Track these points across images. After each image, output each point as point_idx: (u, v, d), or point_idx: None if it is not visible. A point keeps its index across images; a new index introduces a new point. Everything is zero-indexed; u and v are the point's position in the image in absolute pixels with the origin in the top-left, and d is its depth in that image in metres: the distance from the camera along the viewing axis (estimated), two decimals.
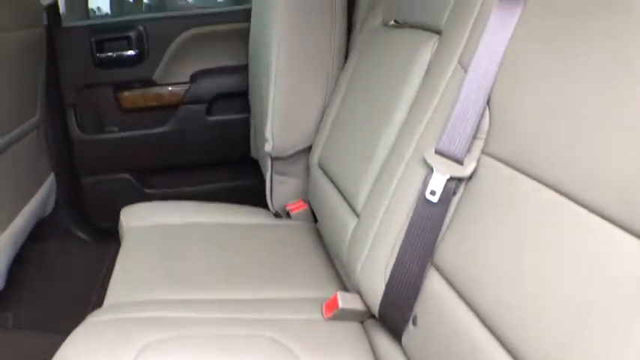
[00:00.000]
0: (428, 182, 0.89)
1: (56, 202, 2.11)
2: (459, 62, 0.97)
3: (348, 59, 1.50)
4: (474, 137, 0.85)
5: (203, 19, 2.17)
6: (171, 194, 2.25)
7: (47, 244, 2.12)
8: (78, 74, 2.10)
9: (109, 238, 2.17)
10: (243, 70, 2.08)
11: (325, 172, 1.41)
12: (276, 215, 1.65)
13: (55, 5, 2.06)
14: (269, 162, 1.59)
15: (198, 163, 2.25)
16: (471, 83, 0.87)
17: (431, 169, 0.89)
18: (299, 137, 1.53)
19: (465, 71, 0.90)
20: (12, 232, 1.65)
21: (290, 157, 1.56)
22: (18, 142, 1.72)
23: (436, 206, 0.88)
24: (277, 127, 1.50)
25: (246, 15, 2.06)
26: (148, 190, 2.25)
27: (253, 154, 2.06)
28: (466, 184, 0.86)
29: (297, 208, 1.59)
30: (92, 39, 2.07)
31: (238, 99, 2.13)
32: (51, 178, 2.07)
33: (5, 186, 1.63)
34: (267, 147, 1.52)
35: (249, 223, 1.56)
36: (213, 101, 2.15)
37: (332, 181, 1.35)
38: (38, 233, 1.93)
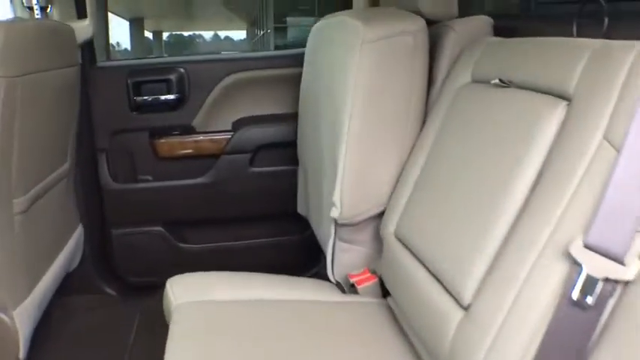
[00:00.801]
0: (574, 281, 0.74)
1: (83, 255, 1.94)
2: (606, 138, 0.79)
3: (428, 118, 1.33)
4: (637, 231, 0.71)
5: (248, 63, 2.02)
6: (207, 250, 2.09)
7: (72, 300, 1.96)
8: (111, 118, 1.95)
9: (139, 294, 2.04)
10: (290, 118, 1.93)
11: (406, 245, 1.23)
12: (338, 285, 1.46)
13: (91, 43, 1.91)
14: (332, 228, 1.41)
15: (238, 217, 2.08)
16: (628, 167, 0.73)
17: (578, 266, 0.74)
18: (371, 203, 1.36)
19: (617, 151, 0.76)
20: (37, 297, 1.48)
21: (358, 223, 1.38)
22: (47, 194, 1.55)
23: (588, 311, 0.74)
24: (348, 192, 1.32)
25: (295, 60, 1.92)
26: (183, 245, 2.07)
27: (301, 210, 1.89)
28: (625, 285, 0.71)
29: (365, 280, 1.40)
30: (129, 80, 1.91)
31: (284, 149, 1.97)
32: (79, 230, 1.89)
33: (32, 244, 1.47)
34: (335, 212, 1.34)
35: (312, 299, 1.38)
36: (257, 151, 1.98)
37: (417, 258, 1.17)
38: (63, 287, 1.76)
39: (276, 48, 23.44)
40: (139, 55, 24.41)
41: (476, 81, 1.21)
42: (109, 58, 2.13)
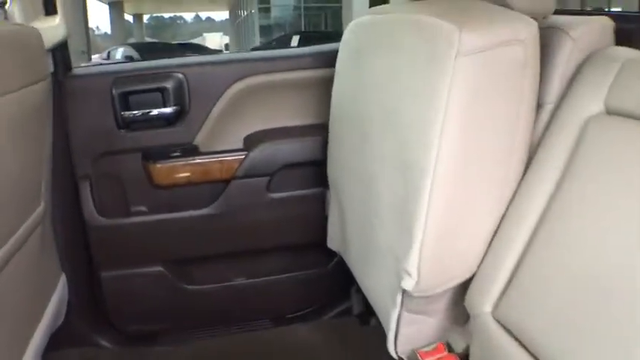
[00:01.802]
0: None
1: (69, 305, 1.57)
2: None
3: (539, 157, 0.97)
4: None
5: (261, 65, 1.64)
6: (217, 290, 1.73)
7: (63, 355, 1.61)
8: (94, 138, 1.57)
9: (138, 344, 1.71)
10: (316, 131, 1.58)
11: (513, 334, 0.89)
12: None
13: (64, 45, 1.52)
14: (399, 298, 1.06)
15: (253, 251, 1.72)
16: None
17: None
18: (459, 270, 1.00)
19: None
20: None
21: (436, 294, 1.03)
22: (18, 252, 1.18)
23: None
24: (429, 260, 0.97)
25: (320, 60, 1.58)
26: (187, 286, 1.71)
27: (333, 245, 1.54)
28: None
29: None
30: (114, 91, 1.54)
31: (309, 169, 1.62)
32: (62, 281, 1.52)
33: (6, 315, 1.13)
34: (408, 284, 0.99)
35: None
36: (276, 173, 1.61)
37: (533, 355, 0.84)
38: (51, 342, 1.42)
39: (261, 28, 22.99)
40: (121, 38, 23.83)
41: (613, 113, 0.86)
42: (89, 59, 1.73)
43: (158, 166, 1.58)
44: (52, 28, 1.40)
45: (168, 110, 1.56)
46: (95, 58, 16.86)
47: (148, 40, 27.64)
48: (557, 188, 0.90)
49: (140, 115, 1.55)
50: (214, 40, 33.69)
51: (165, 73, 1.57)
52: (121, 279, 1.68)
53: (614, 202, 0.79)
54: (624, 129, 0.83)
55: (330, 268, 1.74)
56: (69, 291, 1.57)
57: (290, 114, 1.65)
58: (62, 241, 1.55)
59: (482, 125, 0.92)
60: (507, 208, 0.97)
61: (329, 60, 1.44)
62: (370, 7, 1.66)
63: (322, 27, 22.70)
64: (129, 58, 13.84)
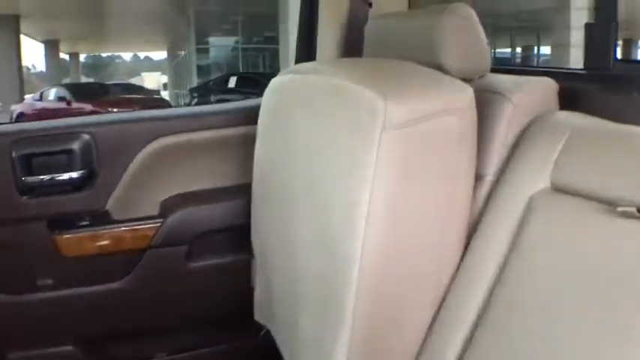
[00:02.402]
0: None
1: None
2: None
3: (478, 240, 0.88)
4: None
5: (178, 122, 1.52)
6: None
7: None
8: None
9: None
10: (240, 193, 1.45)
11: None
12: None
13: None
14: None
15: (176, 325, 1.57)
16: None
17: None
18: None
19: None
20: None
21: None
22: None
23: None
24: (359, 355, 0.86)
25: (246, 117, 1.45)
26: None
27: (260, 318, 1.41)
28: None
29: None
30: (14, 153, 1.38)
31: (233, 235, 1.49)
32: None
33: None
34: None
35: None
36: (197, 240, 1.48)
37: None
38: None
39: (198, 68, 22.85)
40: (56, 78, 23.28)
41: (560, 190, 0.78)
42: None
43: (66, 236, 1.43)
44: None
45: (75, 174, 1.42)
46: (28, 98, 16.37)
47: (84, 79, 27.12)
48: (500, 272, 0.81)
49: (45, 180, 1.41)
50: (152, 79, 33.34)
51: (70, 134, 1.43)
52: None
53: (562, 288, 0.70)
54: (572, 208, 0.75)
55: (258, 342, 1.61)
56: None
57: (210, 175, 1.53)
58: None
59: (414, 206, 0.82)
60: (445, 297, 0.88)
61: (251, 117, 1.33)
62: (297, 60, 1.57)
63: (260, 68, 22.72)
64: (62, 99, 13.47)
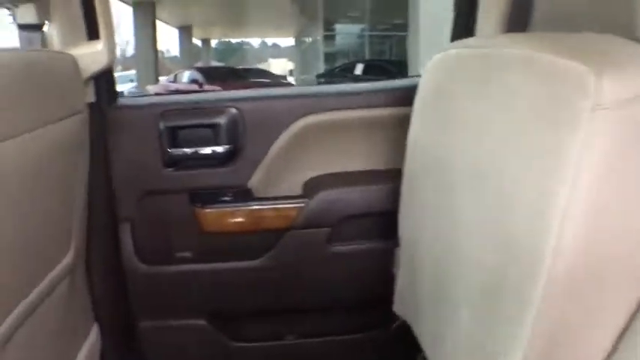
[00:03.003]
0: None
1: (103, 356, 1.40)
2: None
3: None
4: None
5: (328, 100, 1.44)
6: (267, 348, 1.54)
7: None
8: (138, 176, 1.41)
9: None
10: (387, 177, 1.36)
11: None
12: None
13: (109, 72, 1.37)
14: None
15: (309, 307, 1.52)
16: None
17: None
18: None
19: None
20: None
21: None
22: (40, 307, 1.02)
23: None
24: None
25: (399, 98, 1.36)
26: (235, 343, 1.52)
27: (400, 310, 1.32)
28: None
29: None
30: (162, 125, 1.37)
31: (377, 221, 1.41)
32: (94, 332, 1.36)
33: None
34: None
35: None
36: (339, 224, 1.41)
37: None
38: None
39: (326, 55, 23.05)
40: (188, 62, 24.30)
41: None
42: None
43: (207, 210, 1.41)
44: (94, 55, 1.25)
45: (220, 149, 1.39)
46: (162, 80, 17.17)
47: (215, 63, 28.12)
48: None
49: (189, 153, 1.39)
50: (279, 65, 34.05)
51: (218, 108, 1.40)
52: (161, 331, 1.51)
53: None
54: None
55: (392, 332, 1.52)
56: (103, 342, 1.40)
57: (357, 157, 1.45)
58: (97, 288, 1.38)
59: (623, 200, 0.68)
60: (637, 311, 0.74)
61: (404, 98, 1.24)
62: (454, 36, 1.45)
63: (387, 55, 22.54)
64: (194, 82, 13.99)
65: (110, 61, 1.27)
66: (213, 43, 35.34)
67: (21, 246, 0.93)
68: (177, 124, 1.38)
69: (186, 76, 15.17)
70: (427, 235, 1.10)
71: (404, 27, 16.27)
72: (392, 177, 1.30)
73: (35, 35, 1.23)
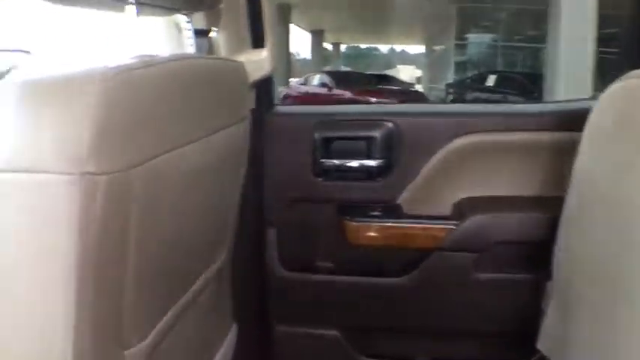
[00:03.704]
0: None
1: (236, 356, 1.42)
2: None
3: None
4: None
5: (491, 120, 1.40)
6: None
7: None
8: (288, 183, 1.43)
9: None
10: (544, 205, 1.29)
11: None
12: None
13: (269, 80, 1.39)
14: None
15: (446, 331, 1.47)
16: None
17: None
18: None
19: None
20: None
21: None
22: (186, 310, 1.04)
23: None
24: None
25: (567, 122, 1.28)
26: (364, 358, 1.50)
27: (545, 347, 1.24)
28: None
29: None
30: (316, 134, 1.38)
31: (528, 250, 1.34)
32: (232, 332, 1.38)
33: None
34: None
35: None
36: (488, 250, 1.35)
37: None
38: None
39: (456, 64, 22.65)
40: (318, 65, 24.73)
41: None
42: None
43: (354, 223, 1.39)
44: (259, 62, 1.27)
45: (372, 163, 1.37)
46: (292, 82, 17.55)
47: (344, 68, 28.41)
48: None
49: (341, 165, 1.38)
50: (407, 72, 33.85)
51: (374, 121, 1.38)
52: (294, 337, 1.53)
53: None
54: None
55: None
56: (239, 343, 1.43)
57: (513, 181, 1.38)
58: (239, 289, 1.41)
59: None
60: None
61: (571, 122, 1.17)
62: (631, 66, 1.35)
63: (519, 67, 21.77)
64: (324, 85, 14.17)
65: (273, 69, 1.29)
66: (343, 47, 35.73)
67: (181, 248, 0.95)
68: (331, 135, 1.39)
69: (316, 79, 15.40)
70: (589, 274, 1.03)
71: (538, 38, 15.65)
72: (549, 205, 1.23)
73: (204, 41, 1.27)
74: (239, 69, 1.12)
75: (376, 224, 1.38)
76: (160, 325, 0.92)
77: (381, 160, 1.37)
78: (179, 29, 1.21)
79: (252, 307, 1.49)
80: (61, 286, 0.65)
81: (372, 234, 1.39)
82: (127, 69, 0.71)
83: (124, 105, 0.68)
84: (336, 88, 13.30)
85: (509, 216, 1.35)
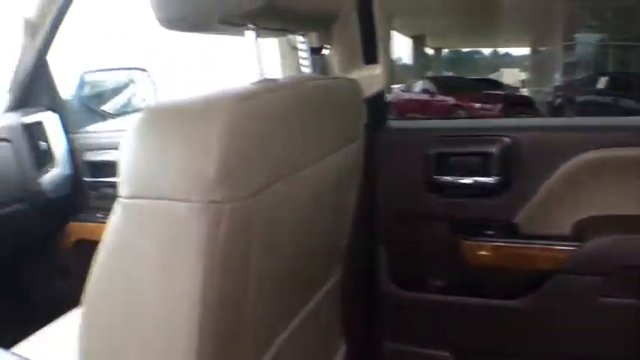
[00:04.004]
0: None
1: None
2: None
3: None
4: None
5: (618, 135, 1.31)
6: None
7: None
8: (400, 199, 1.40)
9: None
10: None
11: None
12: None
13: (381, 96, 1.37)
14: None
15: (565, 357, 1.39)
16: None
17: None
18: None
19: None
20: None
21: None
22: (308, 322, 1.04)
23: None
24: None
25: None
26: None
27: None
28: None
29: None
30: (430, 150, 1.34)
31: None
32: (341, 352, 1.37)
33: None
34: None
35: None
36: (615, 273, 1.27)
37: None
38: None
39: (564, 66, 21.75)
40: (419, 71, 24.45)
41: None
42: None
43: (469, 242, 1.35)
44: (372, 78, 1.26)
45: (488, 180, 1.32)
46: (394, 88, 17.42)
47: (445, 73, 27.94)
48: None
49: (456, 181, 1.34)
50: (511, 75, 32.91)
51: (490, 136, 1.33)
52: (404, 356, 1.50)
53: None
54: None
55: None
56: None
57: None
58: (349, 306, 1.39)
59: None
60: None
61: None
62: None
63: (630, 68, 20.55)
64: (426, 91, 13.97)
65: (387, 85, 1.27)
66: (444, 52, 35.23)
67: (297, 269, 0.95)
68: (445, 151, 1.35)
69: (418, 85, 15.20)
70: None
71: None
72: None
73: (317, 59, 1.26)
74: (354, 87, 1.11)
75: (492, 243, 1.34)
76: (276, 345, 0.92)
77: (498, 177, 1.32)
78: (295, 48, 1.21)
79: (362, 325, 1.47)
80: (186, 308, 0.67)
81: (487, 253, 1.34)
82: (252, 96, 0.71)
83: (249, 133, 0.68)
84: (439, 94, 13.08)
85: (637, 238, 1.26)
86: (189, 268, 0.66)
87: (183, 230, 0.65)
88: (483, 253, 1.34)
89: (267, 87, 0.78)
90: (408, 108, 12.90)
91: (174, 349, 0.69)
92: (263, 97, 0.74)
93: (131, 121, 0.67)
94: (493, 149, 1.31)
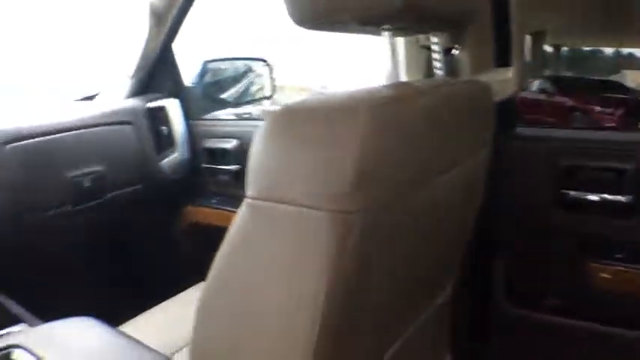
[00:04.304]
0: None
1: None
2: None
3: None
4: None
5: None
6: None
7: None
8: (522, 213, 1.33)
9: None
10: None
11: None
12: None
13: (512, 101, 1.29)
14: None
15: None
16: None
17: None
18: None
19: None
20: None
21: None
22: (417, 334, 1.01)
23: None
24: None
25: None
26: None
27: None
28: None
29: None
30: (560, 161, 1.26)
31: None
32: None
33: None
34: None
35: None
36: None
37: None
38: None
39: None
40: (537, 69, 23.61)
41: None
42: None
43: (597, 264, 1.25)
44: (503, 82, 1.19)
45: (622, 198, 1.21)
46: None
47: (564, 73, 26.85)
48: None
49: (586, 197, 1.24)
50: (634, 77, 31.12)
51: (626, 151, 1.22)
52: None
53: None
54: None
55: None
56: None
57: None
58: (459, 319, 1.33)
59: None
60: None
61: None
62: None
63: None
64: (542, 91, 13.47)
65: (519, 89, 1.20)
66: (564, 50, 33.76)
67: (414, 278, 0.91)
68: (576, 163, 1.25)
69: (536, 85, 14.69)
70: None
71: None
72: None
73: (447, 59, 1.21)
74: (486, 91, 1.05)
75: (621, 268, 1.23)
76: (388, 355, 0.89)
77: (630, 197, 1.21)
78: (423, 48, 1.16)
79: (470, 340, 1.41)
80: (306, 314, 0.66)
81: (613, 277, 1.24)
82: (394, 99, 0.68)
83: (391, 138, 0.65)
84: (557, 95, 12.56)
85: None
86: (313, 275, 0.64)
87: (310, 237, 0.64)
88: (609, 276, 1.24)
89: (407, 90, 0.75)
90: (525, 108, 12.45)
91: (292, 353, 0.68)
92: (405, 102, 0.71)
93: (262, 117, 0.66)
94: (629, 165, 1.20)
